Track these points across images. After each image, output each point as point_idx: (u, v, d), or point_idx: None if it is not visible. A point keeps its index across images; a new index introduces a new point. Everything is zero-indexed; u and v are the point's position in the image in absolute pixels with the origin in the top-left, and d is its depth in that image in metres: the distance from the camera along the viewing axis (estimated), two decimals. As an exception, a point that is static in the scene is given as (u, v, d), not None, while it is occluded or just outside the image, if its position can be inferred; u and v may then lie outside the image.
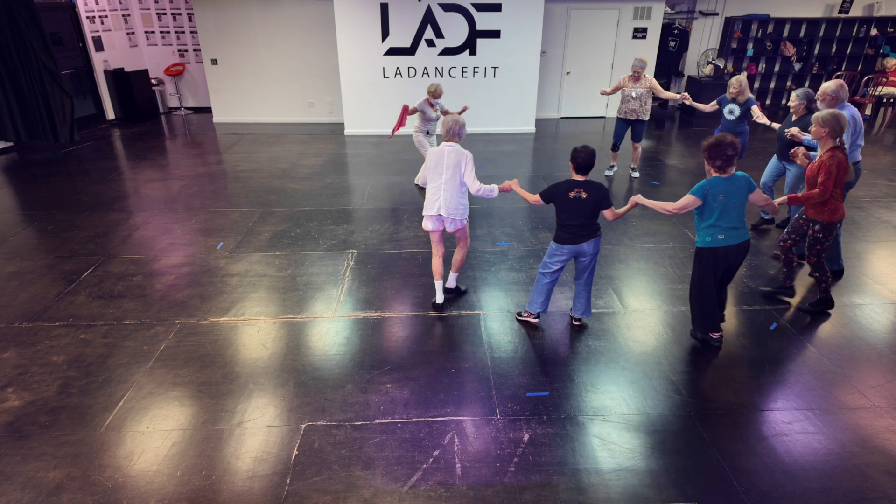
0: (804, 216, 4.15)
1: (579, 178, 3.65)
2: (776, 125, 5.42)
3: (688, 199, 3.51)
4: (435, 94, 6.33)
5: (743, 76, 5.96)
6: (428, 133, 6.55)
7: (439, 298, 4.29)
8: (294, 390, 3.41)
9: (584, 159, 3.59)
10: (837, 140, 3.81)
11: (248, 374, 3.56)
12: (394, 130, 6.39)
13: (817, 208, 3.98)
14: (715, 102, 6.24)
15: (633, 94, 6.77)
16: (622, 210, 3.73)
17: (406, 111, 6.29)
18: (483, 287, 4.60)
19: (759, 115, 5.71)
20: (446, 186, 3.97)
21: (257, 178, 7.33)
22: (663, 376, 3.55)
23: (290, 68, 10.07)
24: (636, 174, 7.37)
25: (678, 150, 8.68)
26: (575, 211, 3.63)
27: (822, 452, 2.95)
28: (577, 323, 4.08)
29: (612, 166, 7.50)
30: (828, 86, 4.60)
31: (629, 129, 7.10)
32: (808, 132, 4.64)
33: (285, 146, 8.90)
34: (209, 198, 6.59)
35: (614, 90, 7.01)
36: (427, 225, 4.14)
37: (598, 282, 4.67)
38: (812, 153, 4.33)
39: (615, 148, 7.31)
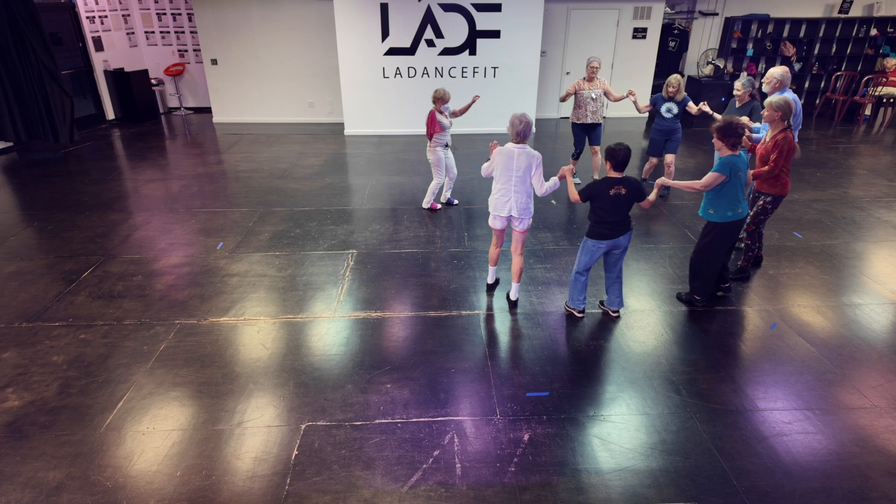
0: (755, 193, 4.55)
1: (617, 175, 3.77)
2: (718, 116, 5.53)
3: (713, 177, 3.84)
4: (444, 98, 5.66)
5: (679, 76, 6.17)
6: (447, 146, 5.92)
7: (491, 279, 4.48)
8: (294, 390, 3.41)
9: (623, 156, 3.70)
10: (786, 122, 4.21)
11: (248, 374, 3.56)
12: (430, 138, 5.89)
13: (770, 182, 4.36)
14: (649, 103, 6.40)
15: (593, 96, 6.46)
16: (653, 196, 3.89)
17: (434, 117, 5.74)
18: (483, 287, 4.60)
19: (695, 109, 5.96)
20: (517, 189, 3.96)
21: (257, 178, 7.33)
22: (663, 376, 3.55)
23: (290, 68, 10.07)
24: None
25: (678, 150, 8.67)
26: (614, 207, 3.77)
27: (822, 452, 2.95)
28: (614, 314, 4.18)
29: (574, 174, 7.10)
30: (774, 71, 4.92)
31: (586, 134, 6.77)
32: (749, 117, 5.22)
33: (285, 146, 8.90)
34: (209, 198, 6.59)
35: (569, 94, 6.56)
36: (496, 224, 4.16)
37: (598, 282, 4.67)
38: (755, 136, 4.74)
39: (577, 156, 6.91)
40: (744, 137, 4.49)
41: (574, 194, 3.91)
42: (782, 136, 4.18)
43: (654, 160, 6.72)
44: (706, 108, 5.73)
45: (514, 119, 3.90)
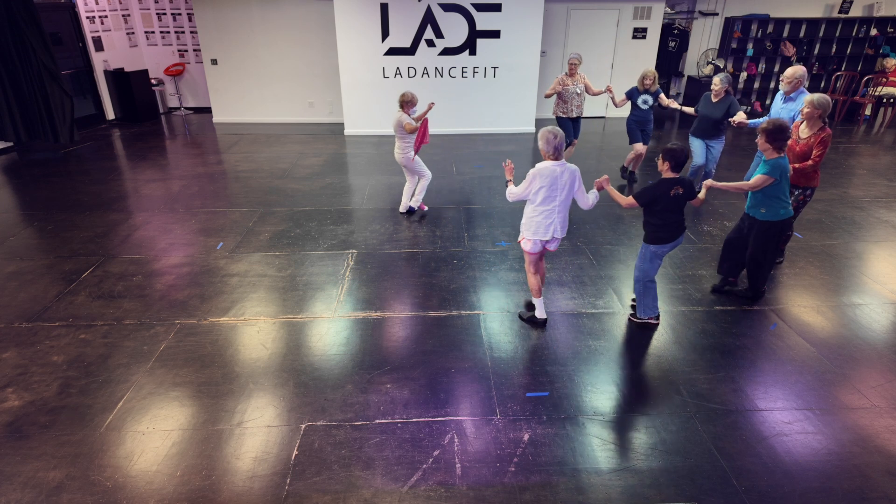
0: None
1: (674, 175, 3.72)
2: (687, 109, 6.22)
3: (762, 179, 3.94)
4: (412, 102, 5.48)
5: (654, 70, 6.57)
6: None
7: (542, 314, 4.07)
8: (294, 390, 3.41)
9: (685, 157, 3.68)
10: (824, 120, 4.42)
11: (248, 374, 3.56)
12: (417, 148, 5.65)
13: (809, 176, 4.51)
14: (625, 96, 6.67)
15: (577, 91, 6.72)
16: (702, 195, 3.91)
17: (427, 124, 5.56)
18: (483, 287, 4.60)
19: (667, 101, 6.43)
20: (561, 208, 3.72)
21: (257, 178, 7.33)
22: (663, 376, 3.55)
23: (290, 68, 10.07)
24: None
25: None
26: (675, 208, 3.76)
27: (822, 452, 2.95)
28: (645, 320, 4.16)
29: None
30: (796, 71, 5.08)
31: (570, 126, 6.97)
32: (727, 112, 5.69)
33: (285, 146, 8.91)
34: (209, 198, 6.59)
35: (554, 90, 6.77)
36: (536, 248, 3.83)
37: (598, 282, 4.67)
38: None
39: (569, 144, 7.12)
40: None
41: (626, 200, 3.78)
42: (828, 134, 4.39)
43: (636, 146, 6.87)
44: (674, 105, 6.31)
45: (548, 135, 3.59)
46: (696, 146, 6.14)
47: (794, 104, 5.09)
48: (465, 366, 3.64)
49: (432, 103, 5.84)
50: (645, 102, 6.53)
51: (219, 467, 2.86)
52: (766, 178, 3.92)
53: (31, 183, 7.07)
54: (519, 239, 3.92)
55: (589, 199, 3.81)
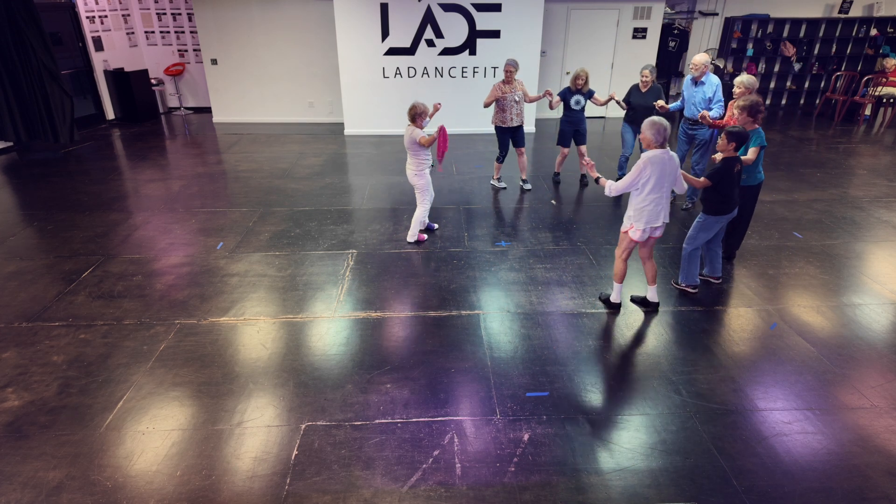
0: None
1: (735, 154, 4.13)
2: (620, 101, 6.50)
3: (757, 150, 4.39)
4: (425, 112, 5.01)
5: (586, 69, 6.55)
6: (432, 165, 5.31)
7: (617, 297, 4.26)
8: (294, 390, 3.41)
9: (747, 137, 4.14)
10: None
11: (248, 374, 3.56)
12: (442, 159, 5.19)
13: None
14: (559, 97, 6.62)
15: (516, 99, 6.31)
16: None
17: (444, 130, 5.09)
18: (483, 287, 4.60)
19: (602, 101, 6.50)
20: (667, 194, 3.86)
21: (257, 178, 7.33)
22: (663, 376, 3.55)
23: (290, 68, 10.07)
24: (528, 186, 6.83)
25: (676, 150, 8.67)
26: (736, 182, 4.20)
27: (821, 452, 2.95)
28: (717, 281, 4.61)
29: (500, 179, 6.93)
30: (704, 56, 5.65)
31: (511, 137, 6.56)
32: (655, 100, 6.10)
33: (285, 146, 8.90)
34: (209, 198, 6.59)
35: (492, 99, 6.30)
36: (644, 236, 3.93)
37: (598, 282, 4.67)
38: (712, 114, 5.52)
39: (502, 159, 6.73)
40: (706, 116, 5.19)
41: (701, 181, 4.13)
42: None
43: (565, 151, 6.89)
44: (611, 99, 6.44)
45: (658, 126, 3.72)
46: (629, 135, 6.59)
47: (704, 87, 5.67)
48: (465, 366, 3.64)
49: (438, 104, 5.35)
50: (577, 103, 6.53)
51: (219, 467, 2.86)
52: (758, 148, 4.40)
53: (31, 183, 7.07)
54: (625, 229, 4.01)
55: (684, 183, 4.05)
